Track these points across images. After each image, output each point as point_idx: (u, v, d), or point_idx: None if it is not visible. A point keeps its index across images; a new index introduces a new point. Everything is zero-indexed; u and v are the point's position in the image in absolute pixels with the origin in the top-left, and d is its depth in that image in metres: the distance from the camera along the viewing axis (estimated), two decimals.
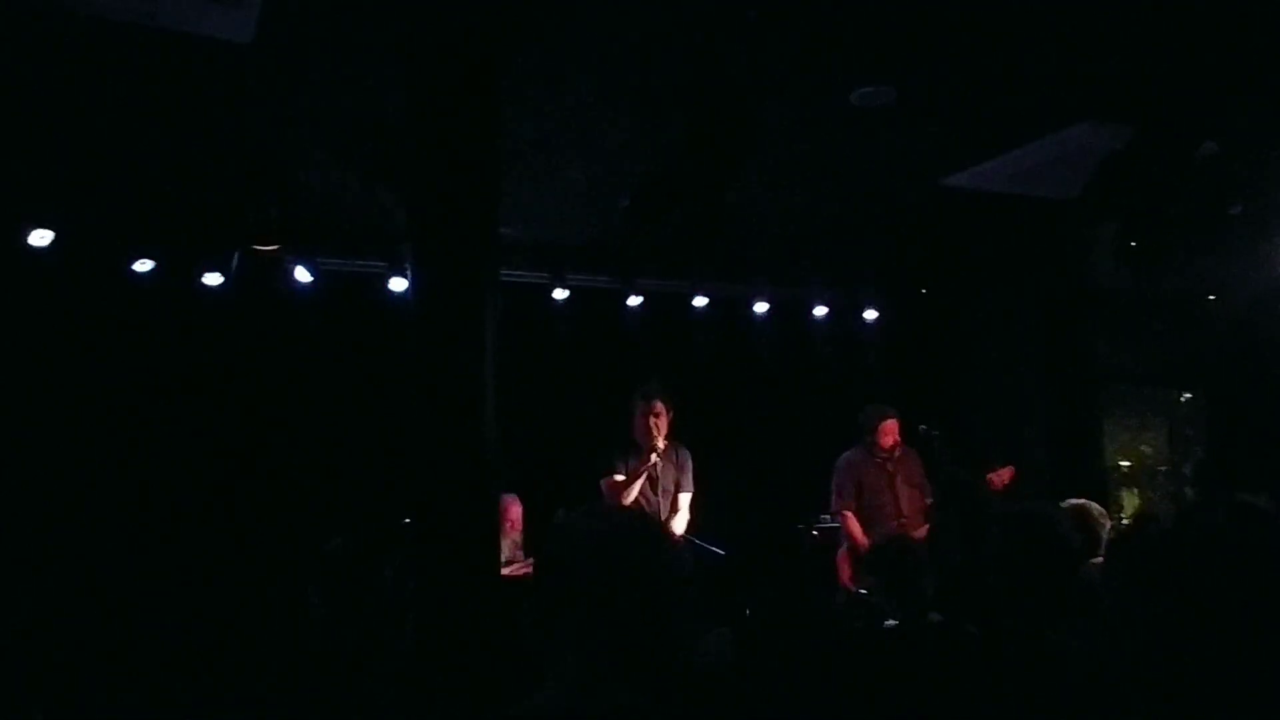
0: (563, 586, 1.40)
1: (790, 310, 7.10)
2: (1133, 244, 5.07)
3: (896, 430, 5.57)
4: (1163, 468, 8.26)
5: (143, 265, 5.57)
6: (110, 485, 5.48)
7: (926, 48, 4.11)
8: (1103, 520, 3.96)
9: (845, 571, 5.52)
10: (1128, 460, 8.13)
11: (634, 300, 6.59)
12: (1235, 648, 1.47)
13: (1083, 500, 4.12)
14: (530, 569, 4.04)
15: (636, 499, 4.99)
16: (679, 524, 5.11)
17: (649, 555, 1.40)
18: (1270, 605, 1.49)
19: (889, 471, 5.53)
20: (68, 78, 4.14)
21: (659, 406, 4.99)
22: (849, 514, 5.53)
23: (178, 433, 5.68)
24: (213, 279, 5.68)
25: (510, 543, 5.10)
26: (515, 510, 5.32)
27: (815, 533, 6.12)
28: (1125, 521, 7.59)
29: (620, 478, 4.98)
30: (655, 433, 4.95)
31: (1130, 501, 8.04)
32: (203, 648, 5.20)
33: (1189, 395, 8.31)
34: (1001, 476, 5.35)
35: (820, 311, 7.16)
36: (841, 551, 5.59)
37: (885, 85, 4.42)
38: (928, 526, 5.47)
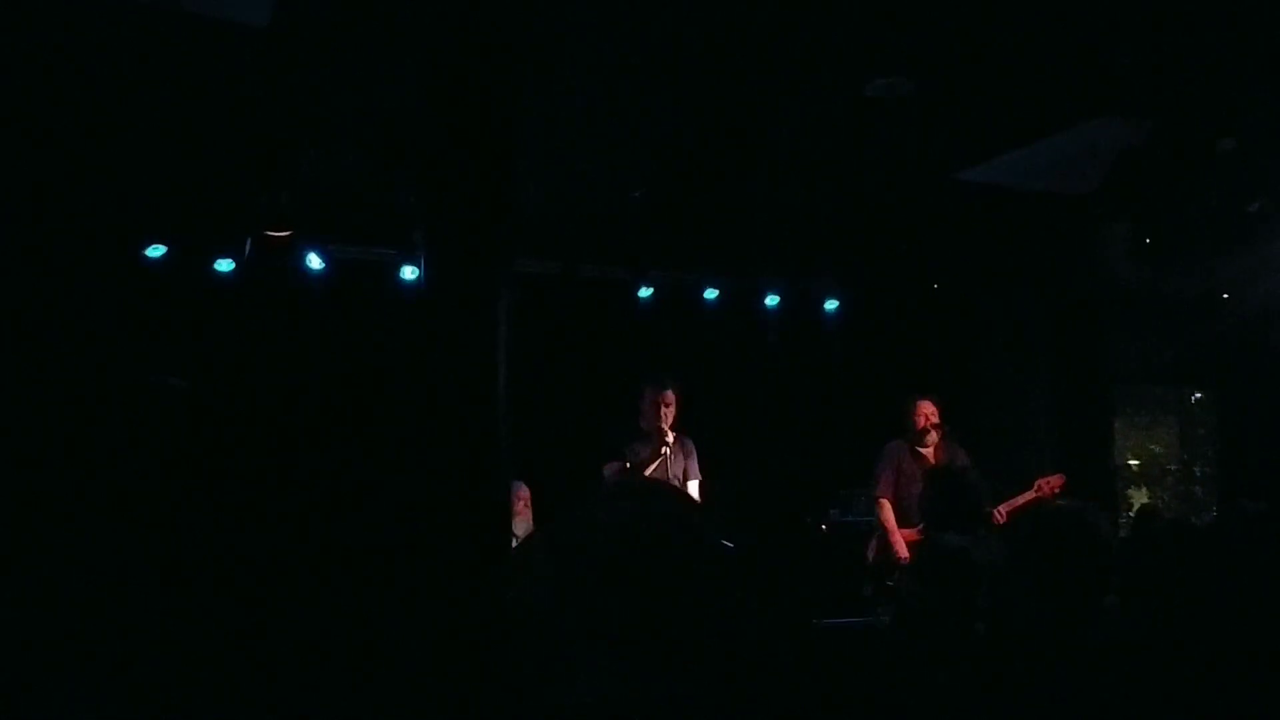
0: (590, 577, 1.36)
1: (801, 303, 7.09)
2: (1148, 241, 5.05)
3: (931, 411, 5.52)
4: (1173, 467, 8.23)
5: (155, 251, 5.57)
6: (119, 471, 5.49)
7: (941, 40, 4.09)
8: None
9: (870, 555, 5.52)
10: (1138, 459, 8.10)
11: (645, 291, 6.58)
12: (1228, 646, 1.47)
13: (1078, 501, 4.11)
14: None
15: None
16: None
17: (678, 537, 1.36)
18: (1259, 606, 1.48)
19: (929, 463, 5.51)
20: (81, 61, 4.14)
21: (670, 396, 5.01)
22: (884, 501, 5.54)
23: (188, 418, 5.69)
24: (224, 265, 5.69)
25: (522, 527, 5.11)
26: (524, 496, 5.34)
27: (824, 526, 6.12)
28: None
29: (628, 465, 4.99)
30: (664, 421, 4.96)
31: (1139, 500, 8.02)
32: (210, 638, 5.20)
33: (1200, 394, 8.27)
34: (1051, 484, 5.28)
35: (831, 305, 7.15)
36: (872, 540, 5.59)
37: (900, 77, 4.40)
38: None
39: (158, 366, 5.64)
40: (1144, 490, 8.08)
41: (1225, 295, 7.02)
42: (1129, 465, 8.01)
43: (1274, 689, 1.52)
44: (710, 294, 6.79)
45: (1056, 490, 5.27)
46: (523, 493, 5.26)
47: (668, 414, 4.99)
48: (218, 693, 4.82)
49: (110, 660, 4.48)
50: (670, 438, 4.95)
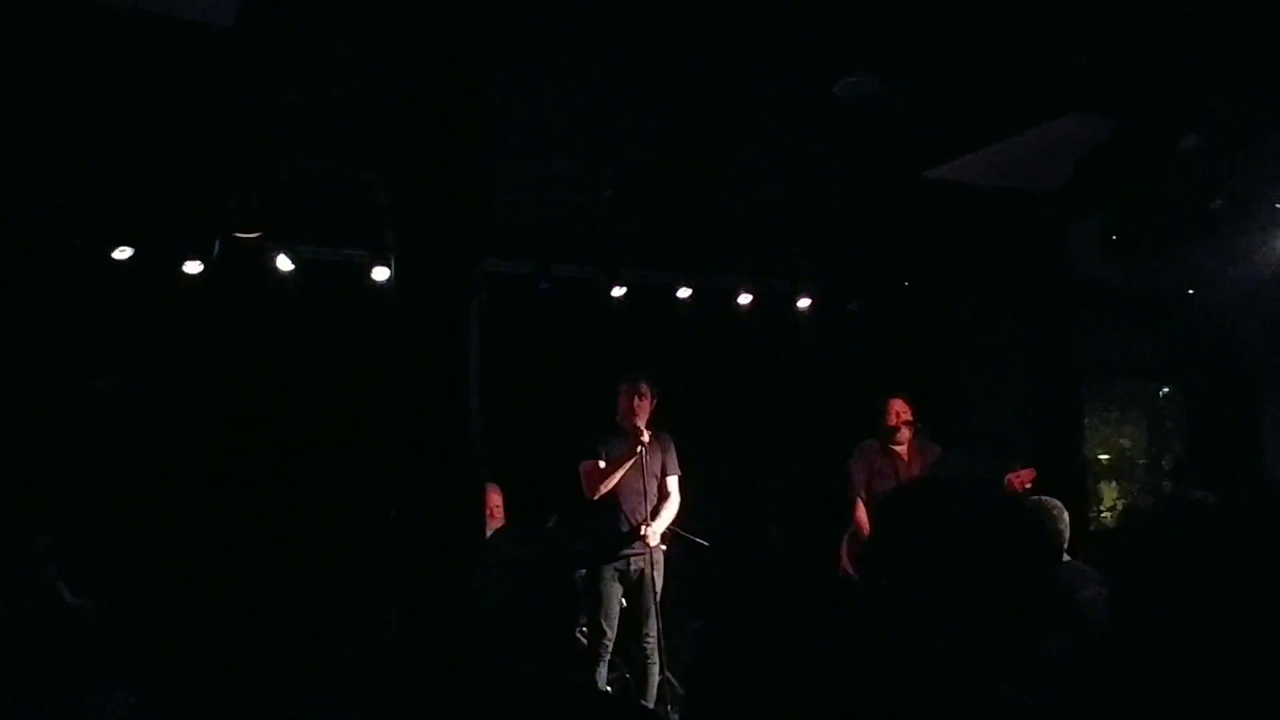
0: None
1: (773, 302, 7.11)
2: (1114, 237, 5.10)
3: (902, 410, 5.55)
4: (1141, 461, 8.34)
5: (122, 253, 5.51)
6: (86, 475, 5.43)
7: (910, 38, 4.11)
8: (1061, 518, 3.96)
9: (844, 558, 5.56)
10: (1107, 453, 8.20)
11: (618, 291, 6.58)
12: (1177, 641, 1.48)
13: (1039, 498, 4.12)
14: None
15: (620, 485, 5.00)
16: (671, 507, 5.13)
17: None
18: (1206, 599, 1.49)
19: (902, 460, 5.54)
20: (45, 62, 4.08)
21: (644, 388, 5.01)
22: (858, 501, 5.57)
23: (155, 421, 5.63)
24: (193, 267, 5.63)
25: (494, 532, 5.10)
26: (496, 499, 5.32)
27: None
28: (1105, 514, 7.69)
29: (602, 464, 4.98)
30: (638, 415, 4.96)
31: (1109, 494, 8.11)
32: (180, 641, 5.16)
33: (1168, 389, 8.38)
34: (1022, 478, 5.30)
35: (803, 303, 7.18)
36: (845, 537, 5.62)
37: (869, 76, 4.43)
38: None
39: (124, 369, 5.58)
40: (1113, 484, 8.17)
41: (1191, 291, 7.12)
42: (1098, 459, 8.10)
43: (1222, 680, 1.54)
44: (683, 293, 6.81)
45: (1028, 484, 5.31)
46: (494, 500, 5.25)
47: (642, 409, 4.98)
48: (189, 688, 4.78)
49: (84, 658, 4.43)
50: (645, 435, 4.94)
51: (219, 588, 5.41)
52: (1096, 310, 7.51)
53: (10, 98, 4.38)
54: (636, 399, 4.97)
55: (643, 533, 4.96)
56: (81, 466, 5.43)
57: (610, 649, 4.99)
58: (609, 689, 5.01)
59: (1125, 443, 8.31)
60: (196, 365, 5.73)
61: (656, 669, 5.02)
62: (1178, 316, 7.45)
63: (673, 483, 5.18)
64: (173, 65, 4.12)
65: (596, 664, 4.95)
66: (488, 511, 5.00)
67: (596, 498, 4.97)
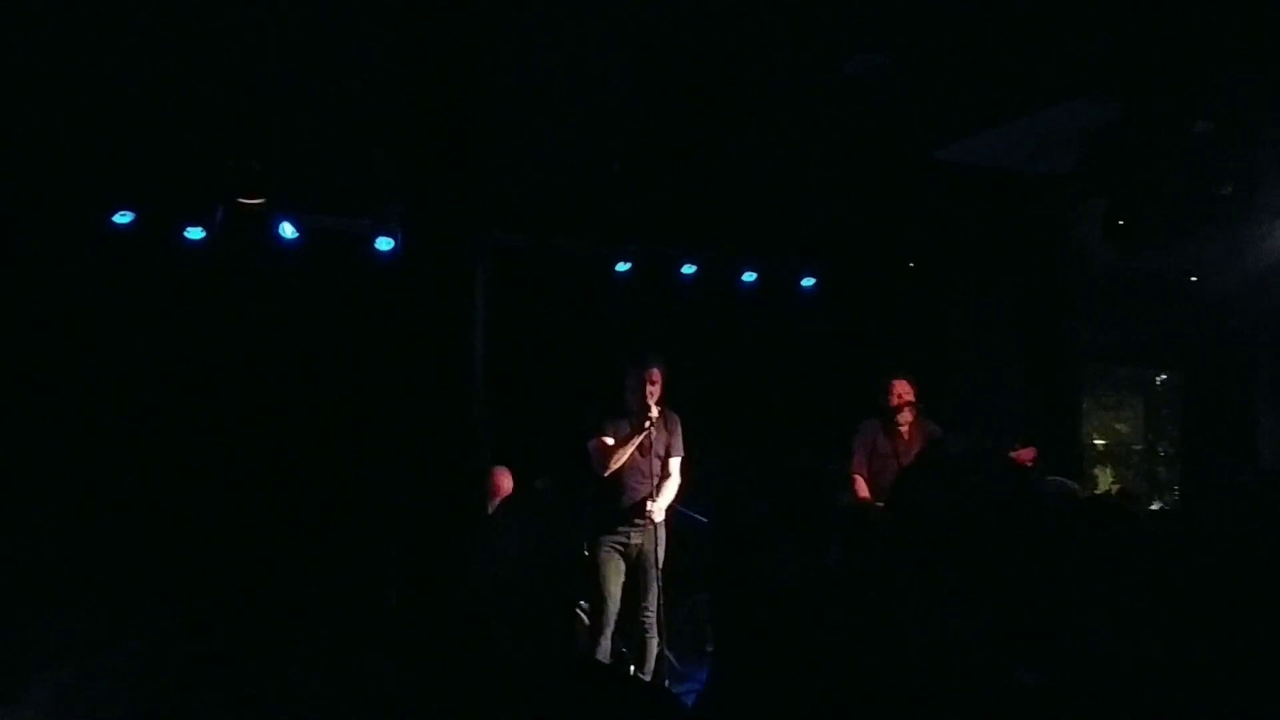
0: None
1: (776, 279, 7.10)
2: (1120, 222, 5.09)
3: (905, 391, 5.55)
4: (1138, 446, 8.38)
5: (123, 217, 5.47)
6: (85, 444, 5.41)
7: (920, 16, 4.09)
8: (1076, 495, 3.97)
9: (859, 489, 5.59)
10: (1104, 438, 8.24)
11: (622, 266, 6.57)
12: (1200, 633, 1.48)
13: (1058, 478, 4.14)
14: None
15: (627, 463, 5.01)
16: (670, 487, 5.15)
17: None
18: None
19: (903, 441, 5.55)
20: (46, 23, 4.04)
21: (655, 373, 5.00)
22: (858, 478, 5.59)
23: (156, 389, 5.61)
24: (195, 233, 5.60)
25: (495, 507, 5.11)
26: (506, 483, 5.35)
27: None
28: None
29: (610, 441, 4.99)
30: (649, 397, 4.97)
31: (1104, 479, 8.16)
32: (177, 621, 5.15)
33: (1165, 375, 8.41)
34: (1022, 457, 5.31)
35: (808, 282, 7.17)
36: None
37: (878, 54, 4.41)
38: None
39: (123, 337, 5.55)
40: (1109, 469, 8.22)
41: (1193, 279, 7.12)
42: (1095, 444, 8.15)
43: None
44: (688, 269, 6.79)
45: (1028, 463, 5.32)
46: (504, 483, 5.28)
47: (653, 391, 4.99)
48: (179, 667, 4.78)
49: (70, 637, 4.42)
50: (654, 413, 4.96)
51: (209, 560, 5.40)
52: (1095, 296, 7.52)
53: (9, 58, 4.33)
54: (648, 383, 4.97)
55: (647, 509, 4.97)
56: (78, 434, 5.41)
57: (612, 624, 5.02)
58: (609, 663, 5.03)
59: (1122, 428, 8.35)
60: (197, 333, 5.70)
61: (655, 643, 5.05)
62: (1176, 304, 7.46)
63: (675, 463, 5.19)
64: (176, 27, 4.09)
65: (598, 638, 4.97)
66: (497, 493, 5.02)
67: (607, 474, 4.99)
